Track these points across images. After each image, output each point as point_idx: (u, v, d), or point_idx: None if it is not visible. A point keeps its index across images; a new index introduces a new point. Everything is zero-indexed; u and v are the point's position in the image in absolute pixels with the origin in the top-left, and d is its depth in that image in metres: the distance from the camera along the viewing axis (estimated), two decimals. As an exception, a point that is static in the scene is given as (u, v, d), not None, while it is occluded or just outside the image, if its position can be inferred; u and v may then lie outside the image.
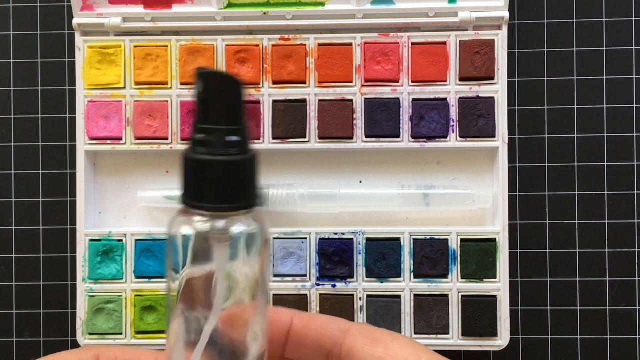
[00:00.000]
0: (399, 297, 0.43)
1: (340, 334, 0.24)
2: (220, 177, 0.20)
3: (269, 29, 0.44)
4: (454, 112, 0.43)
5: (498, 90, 0.43)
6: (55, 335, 0.47)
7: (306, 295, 0.43)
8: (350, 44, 0.44)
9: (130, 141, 0.44)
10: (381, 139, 0.43)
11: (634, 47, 0.46)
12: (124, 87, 0.44)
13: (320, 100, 0.44)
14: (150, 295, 0.43)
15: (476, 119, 0.43)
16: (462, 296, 0.43)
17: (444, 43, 0.43)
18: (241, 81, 0.20)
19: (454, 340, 0.43)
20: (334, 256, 0.43)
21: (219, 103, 0.20)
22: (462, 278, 0.43)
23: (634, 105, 0.46)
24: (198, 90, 0.20)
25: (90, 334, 0.43)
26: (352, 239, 0.43)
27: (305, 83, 0.44)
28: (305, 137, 0.44)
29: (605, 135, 0.46)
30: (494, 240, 0.43)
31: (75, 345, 0.44)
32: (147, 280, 0.43)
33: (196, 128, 0.20)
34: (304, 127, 0.44)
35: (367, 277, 0.43)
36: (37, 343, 0.47)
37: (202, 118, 0.20)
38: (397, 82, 0.44)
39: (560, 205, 0.46)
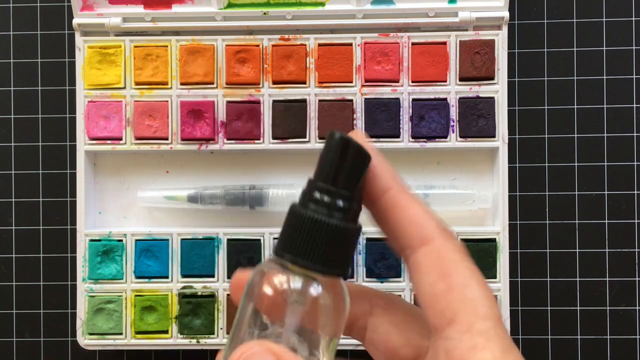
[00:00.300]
0: (399, 297, 0.43)
1: (418, 241, 0.20)
2: (317, 238, 0.20)
3: (269, 29, 0.44)
4: (454, 112, 0.43)
5: (498, 90, 0.43)
6: (55, 335, 0.47)
7: (306, 295, 0.43)
8: (350, 44, 0.44)
9: (130, 141, 0.44)
10: (381, 139, 0.43)
11: (634, 47, 0.46)
12: (124, 87, 0.44)
13: (320, 100, 0.44)
14: (150, 295, 0.43)
15: (476, 119, 0.43)
16: (462, 296, 0.43)
17: (444, 43, 0.43)
18: (368, 154, 0.20)
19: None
20: (334, 256, 0.43)
21: (341, 167, 0.20)
22: (462, 278, 0.43)
23: (634, 105, 0.46)
24: (328, 150, 0.20)
25: (90, 334, 0.43)
26: (352, 239, 0.43)
27: (305, 83, 0.44)
28: (305, 137, 0.44)
29: (605, 135, 0.46)
30: (494, 240, 0.43)
31: (75, 345, 0.44)
32: (147, 280, 0.43)
33: (311, 184, 0.20)
34: (304, 127, 0.44)
35: (367, 277, 0.43)
36: (37, 343, 0.47)
37: (322, 177, 0.20)
38: (397, 82, 0.44)
39: (560, 205, 0.46)
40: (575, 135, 0.46)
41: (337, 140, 0.20)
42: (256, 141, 0.44)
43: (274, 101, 0.44)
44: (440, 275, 0.19)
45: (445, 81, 0.43)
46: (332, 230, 0.20)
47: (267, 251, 0.43)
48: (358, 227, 0.20)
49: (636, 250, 0.45)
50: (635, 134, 0.46)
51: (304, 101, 0.44)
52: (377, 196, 0.21)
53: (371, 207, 0.21)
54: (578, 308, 0.45)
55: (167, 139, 0.44)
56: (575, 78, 0.46)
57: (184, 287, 0.43)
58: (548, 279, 0.46)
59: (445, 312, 0.19)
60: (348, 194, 0.20)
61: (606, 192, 0.46)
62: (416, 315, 0.23)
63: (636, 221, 0.46)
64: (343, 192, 0.20)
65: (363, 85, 0.44)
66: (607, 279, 0.45)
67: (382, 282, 0.43)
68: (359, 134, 0.21)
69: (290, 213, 0.20)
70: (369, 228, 0.45)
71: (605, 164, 0.46)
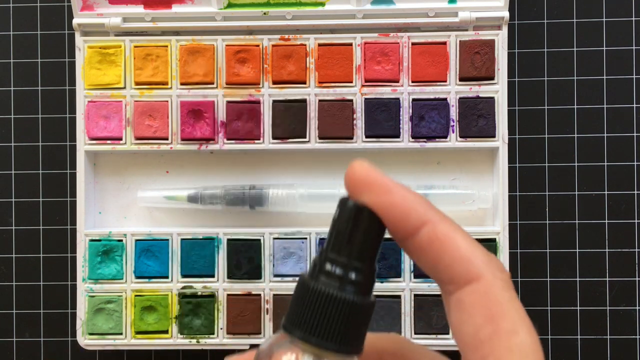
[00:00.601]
0: (399, 297, 0.43)
1: (464, 278, 0.18)
2: (328, 314, 0.18)
3: (269, 29, 0.44)
4: (454, 112, 0.43)
5: (498, 90, 0.43)
6: (55, 335, 0.47)
7: (306, 295, 0.43)
8: (350, 44, 0.44)
9: (130, 141, 0.44)
10: (381, 139, 0.43)
11: (634, 47, 0.46)
12: (124, 87, 0.44)
13: (320, 100, 0.44)
14: (150, 295, 0.43)
15: (476, 119, 0.43)
16: (462, 296, 0.43)
17: (444, 43, 0.43)
18: (383, 223, 0.19)
19: (454, 340, 0.43)
20: (334, 256, 0.43)
21: (354, 237, 0.19)
22: (462, 278, 0.43)
23: (634, 105, 0.46)
24: (341, 218, 0.19)
25: (90, 334, 0.43)
26: (352, 239, 0.43)
27: (305, 83, 0.44)
28: (305, 137, 0.44)
29: (605, 135, 0.46)
30: (494, 240, 0.43)
31: (75, 345, 0.44)
32: (147, 280, 0.43)
33: (322, 254, 0.19)
34: (304, 127, 0.44)
35: (367, 277, 0.43)
36: (37, 343, 0.47)
37: (334, 247, 0.19)
38: (397, 82, 0.44)
39: (560, 205, 0.46)
40: (575, 135, 0.46)
41: (350, 208, 0.19)
42: (256, 141, 0.44)
43: (274, 101, 0.44)
44: (487, 318, 0.18)
45: (445, 81, 0.43)
46: (346, 305, 0.18)
47: (267, 251, 0.43)
48: (373, 301, 0.19)
49: (636, 250, 0.45)
50: (635, 134, 0.46)
51: (304, 101, 0.44)
52: (412, 232, 0.19)
53: (405, 245, 0.19)
54: (578, 308, 0.45)
55: (167, 139, 0.44)
56: (575, 78, 0.46)
57: (184, 287, 0.43)
58: (548, 279, 0.46)
59: (489, 359, 0.18)
60: (361, 266, 0.19)
61: (606, 192, 0.46)
62: (427, 356, 0.21)
63: (636, 221, 0.46)
64: (356, 263, 0.19)
65: (363, 85, 0.44)
66: (607, 279, 0.45)
67: (382, 282, 0.43)
68: (365, 165, 0.19)
69: (299, 285, 0.19)
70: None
71: (605, 164, 0.46)
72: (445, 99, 0.43)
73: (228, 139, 0.44)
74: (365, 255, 0.19)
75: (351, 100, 0.43)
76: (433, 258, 0.18)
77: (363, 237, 0.19)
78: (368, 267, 0.19)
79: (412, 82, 0.43)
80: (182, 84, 0.44)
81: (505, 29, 0.43)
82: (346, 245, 0.19)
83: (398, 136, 0.43)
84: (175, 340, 0.43)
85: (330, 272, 0.19)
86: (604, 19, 0.46)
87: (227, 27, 0.44)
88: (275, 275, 0.43)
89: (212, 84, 0.44)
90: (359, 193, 0.19)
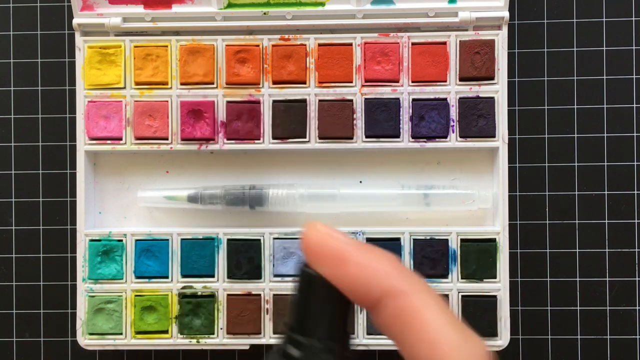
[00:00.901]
0: (399, 297, 0.43)
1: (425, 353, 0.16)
2: None
3: (269, 29, 0.44)
4: (454, 112, 0.43)
5: (498, 90, 0.43)
6: (55, 335, 0.47)
7: (306, 295, 0.43)
8: (350, 44, 0.44)
9: (130, 141, 0.44)
10: (381, 139, 0.43)
11: (634, 47, 0.46)
12: (124, 87, 0.44)
13: (320, 100, 0.44)
14: (150, 295, 0.43)
15: (476, 119, 0.43)
16: (462, 296, 0.43)
17: (444, 43, 0.43)
18: (346, 298, 0.17)
19: None
20: (334, 256, 0.43)
21: (315, 311, 0.17)
22: (462, 278, 0.43)
23: (634, 105, 0.46)
24: (299, 290, 0.17)
25: (90, 334, 0.43)
26: (352, 239, 0.43)
27: (305, 83, 0.44)
28: (305, 137, 0.44)
29: (605, 135, 0.46)
30: (494, 240, 0.43)
31: (75, 345, 0.44)
32: (147, 280, 0.43)
33: (286, 334, 0.17)
34: (304, 127, 0.44)
35: (367, 277, 0.43)
36: (37, 343, 0.47)
37: (294, 325, 0.17)
38: (397, 82, 0.44)
39: (560, 205, 0.46)
40: (575, 135, 0.46)
41: (305, 280, 0.17)
42: (256, 141, 0.44)
43: (274, 101, 0.44)
44: None
45: (445, 81, 0.43)
46: None
47: (267, 251, 0.43)
48: None
49: (636, 250, 0.45)
50: (635, 134, 0.46)
51: (304, 101, 0.44)
52: (373, 304, 0.17)
53: (370, 314, 0.17)
54: (578, 308, 0.45)
55: (167, 139, 0.44)
56: (575, 78, 0.46)
57: (184, 287, 0.43)
58: (548, 279, 0.46)
59: None
60: (324, 346, 0.17)
61: (606, 192, 0.46)
62: None
63: (636, 221, 0.46)
64: (319, 344, 0.17)
65: (363, 85, 0.44)
66: (607, 279, 0.45)
67: (382, 282, 0.43)
68: (318, 231, 0.17)
69: None
70: (368, 228, 0.44)
71: (605, 164, 0.46)
72: (445, 99, 0.43)
73: (228, 139, 0.44)
74: (327, 330, 0.17)
75: (351, 100, 0.43)
76: (397, 334, 0.17)
77: (321, 311, 0.17)
78: (335, 342, 0.17)
79: (412, 82, 0.43)
80: (182, 84, 0.44)
81: (505, 29, 0.43)
82: (306, 323, 0.17)
83: (398, 136, 0.43)
84: (175, 340, 0.43)
85: (292, 355, 0.17)
86: (604, 19, 0.46)
87: (227, 27, 0.44)
88: (275, 275, 0.43)
89: (212, 84, 0.44)
90: (314, 264, 0.18)
